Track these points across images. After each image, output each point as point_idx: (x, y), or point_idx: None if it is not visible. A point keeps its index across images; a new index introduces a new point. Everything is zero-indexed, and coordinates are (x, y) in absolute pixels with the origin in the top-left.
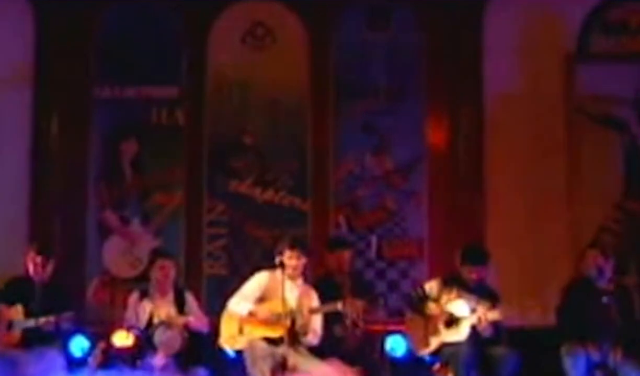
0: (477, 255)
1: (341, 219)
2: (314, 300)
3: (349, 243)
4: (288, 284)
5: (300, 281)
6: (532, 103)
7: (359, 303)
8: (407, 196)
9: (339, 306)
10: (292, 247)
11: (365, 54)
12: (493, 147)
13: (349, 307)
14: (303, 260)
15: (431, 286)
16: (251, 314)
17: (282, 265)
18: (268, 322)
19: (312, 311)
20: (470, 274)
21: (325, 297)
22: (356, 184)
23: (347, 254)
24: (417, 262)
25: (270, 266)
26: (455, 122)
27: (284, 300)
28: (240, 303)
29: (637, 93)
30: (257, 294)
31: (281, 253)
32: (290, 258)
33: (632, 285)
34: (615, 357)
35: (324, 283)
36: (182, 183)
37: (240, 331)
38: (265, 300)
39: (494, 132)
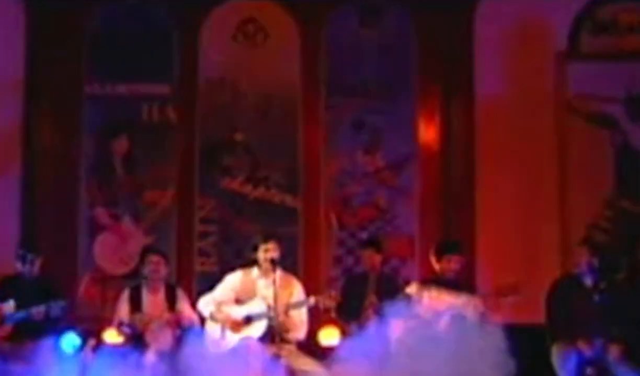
0: (452, 245)
1: (332, 216)
2: (296, 290)
3: (376, 244)
4: (262, 282)
5: (278, 274)
6: (523, 101)
7: (333, 296)
8: (398, 193)
9: (312, 301)
10: (266, 239)
11: (356, 51)
12: (484, 144)
13: (322, 301)
14: (277, 252)
15: (411, 288)
16: (226, 318)
17: (255, 263)
18: (246, 324)
19: (286, 309)
20: (449, 264)
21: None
22: (347, 181)
23: (376, 256)
24: (407, 260)
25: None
26: (447, 119)
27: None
28: (208, 304)
29: (627, 91)
30: (231, 295)
31: (255, 249)
32: (266, 251)
33: (623, 282)
34: (611, 355)
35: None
36: (174, 181)
37: (223, 334)
38: (241, 301)
39: (486, 130)
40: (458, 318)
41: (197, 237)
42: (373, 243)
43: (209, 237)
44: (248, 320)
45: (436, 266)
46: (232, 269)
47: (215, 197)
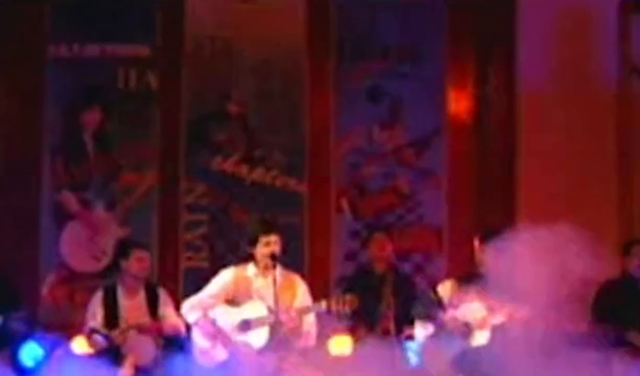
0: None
1: (344, 204)
2: (300, 291)
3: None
4: (260, 281)
5: (278, 272)
6: (577, 62)
7: (349, 300)
8: (422, 176)
9: (323, 306)
10: (267, 230)
11: (373, 6)
12: (527, 117)
13: (336, 306)
14: (279, 246)
15: (443, 288)
16: (197, 323)
17: (252, 258)
18: (242, 330)
19: (298, 314)
20: None
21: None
22: (362, 162)
23: (388, 243)
24: (434, 256)
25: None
26: (482, 87)
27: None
28: (194, 308)
29: None
30: (221, 297)
31: (253, 243)
32: (266, 244)
33: None
34: None
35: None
36: (155, 160)
37: (214, 344)
38: (235, 303)
39: (529, 99)
40: (503, 332)
41: (183, 227)
42: (384, 227)
43: (197, 227)
44: (245, 325)
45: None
46: (225, 266)
47: (204, 180)
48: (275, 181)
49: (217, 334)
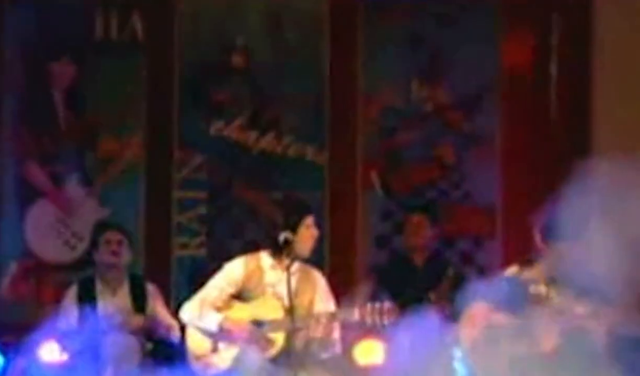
0: None
1: (374, 177)
2: (320, 286)
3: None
4: (274, 274)
5: (295, 265)
6: None
7: (388, 310)
8: (471, 143)
9: (356, 315)
10: (309, 211)
11: None
12: (603, 69)
13: (371, 317)
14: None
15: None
16: (222, 328)
17: (287, 244)
18: (251, 336)
19: (328, 320)
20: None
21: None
22: (396, 126)
23: (427, 228)
24: (486, 240)
25: (270, 245)
26: (546, 33)
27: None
28: (193, 310)
29: None
30: (229, 294)
31: (294, 227)
32: (308, 227)
33: None
34: None
35: None
36: (141, 126)
37: (214, 349)
38: (246, 299)
39: (605, 47)
40: (576, 336)
41: (175, 207)
42: (423, 207)
43: (193, 207)
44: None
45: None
46: (226, 254)
47: (202, 149)
48: (289, 150)
49: (255, 338)
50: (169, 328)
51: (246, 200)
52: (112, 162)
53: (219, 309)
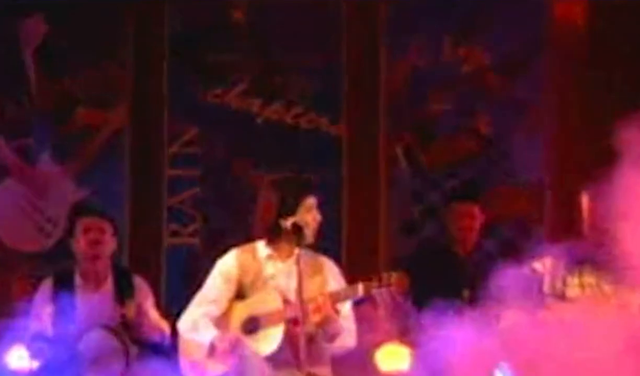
0: None
1: (399, 152)
2: (331, 275)
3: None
4: (273, 266)
5: (297, 252)
6: None
7: (396, 279)
8: (513, 111)
9: (360, 290)
10: (309, 191)
11: None
12: None
13: (377, 288)
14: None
15: (545, 265)
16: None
17: (296, 229)
18: (247, 332)
19: (333, 300)
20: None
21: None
22: (426, 92)
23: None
24: (532, 223)
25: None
26: None
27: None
28: (187, 321)
29: None
30: (229, 297)
31: (294, 209)
32: (309, 210)
33: None
34: None
35: None
36: (126, 92)
37: (211, 353)
38: (243, 296)
39: None
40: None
41: (166, 187)
42: (473, 194)
43: (185, 188)
44: (251, 324)
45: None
46: (224, 243)
47: (196, 120)
48: (300, 120)
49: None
50: (161, 331)
51: (248, 180)
52: (91, 136)
53: (218, 319)
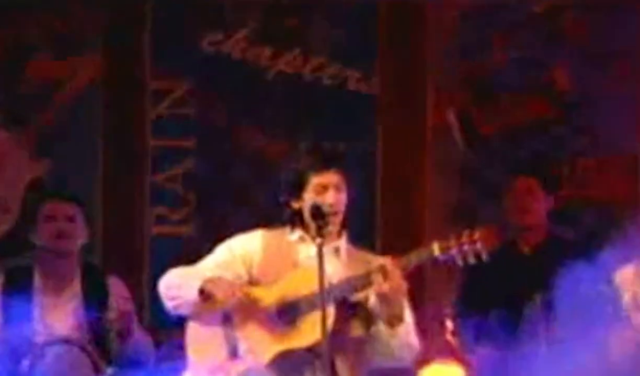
0: None
1: (451, 116)
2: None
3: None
4: (308, 249)
5: (342, 241)
6: None
7: (480, 235)
8: (600, 64)
9: (436, 249)
10: (325, 164)
11: None
12: None
13: (457, 246)
14: (344, 194)
15: (623, 277)
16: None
17: (319, 215)
18: (280, 321)
19: (402, 263)
20: None
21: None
22: (484, 39)
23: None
24: (628, 205)
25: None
26: None
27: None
28: (172, 278)
29: None
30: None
31: (297, 189)
32: (321, 190)
33: None
34: None
35: None
36: (99, 38)
37: (234, 353)
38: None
39: None
40: None
41: (150, 163)
42: (537, 167)
43: (175, 162)
44: (289, 311)
45: None
46: (223, 232)
47: (189, 71)
48: (321, 75)
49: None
50: (142, 343)
51: (255, 149)
52: (54, 92)
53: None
